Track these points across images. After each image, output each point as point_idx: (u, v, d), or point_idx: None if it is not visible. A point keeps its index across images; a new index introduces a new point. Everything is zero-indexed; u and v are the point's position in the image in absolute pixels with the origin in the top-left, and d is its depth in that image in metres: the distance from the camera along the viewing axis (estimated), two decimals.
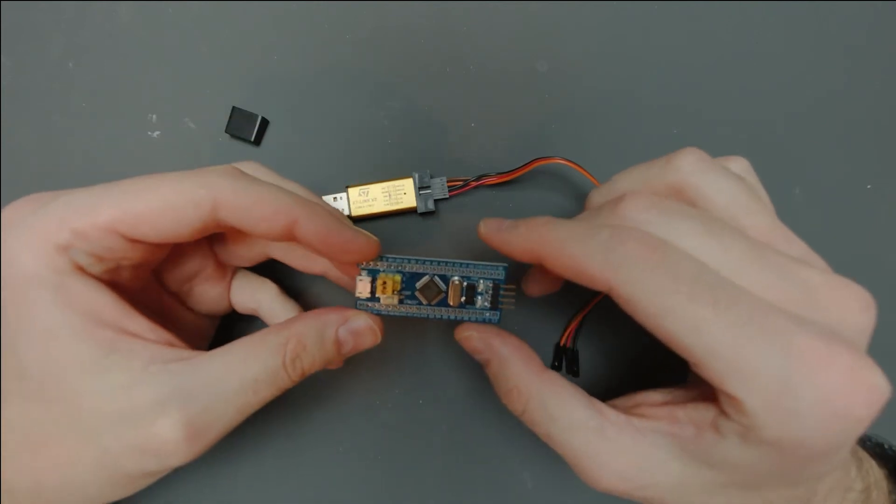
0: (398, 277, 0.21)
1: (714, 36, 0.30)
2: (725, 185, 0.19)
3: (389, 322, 0.22)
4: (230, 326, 0.28)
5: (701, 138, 0.29)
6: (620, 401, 0.20)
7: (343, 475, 0.28)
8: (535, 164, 0.26)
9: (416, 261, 0.21)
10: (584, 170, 0.26)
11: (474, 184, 0.27)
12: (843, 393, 0.14)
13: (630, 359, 0.28)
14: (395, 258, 0.21)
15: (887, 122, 0.30)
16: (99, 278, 0.19)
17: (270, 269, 0.27)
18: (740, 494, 0.17)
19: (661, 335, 0.16)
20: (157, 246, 0.20)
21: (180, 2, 0.29)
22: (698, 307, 0.15)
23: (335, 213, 0.21)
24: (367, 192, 0.27)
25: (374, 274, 0.21)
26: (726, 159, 0.21)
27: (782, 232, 0.18)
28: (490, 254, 0.21)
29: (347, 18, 0.29)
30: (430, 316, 0.22)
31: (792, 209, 0.29)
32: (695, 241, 0.16)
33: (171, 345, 0.19)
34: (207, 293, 0.25)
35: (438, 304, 0.22)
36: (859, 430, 0.15)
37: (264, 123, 0.29)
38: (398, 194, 0.27)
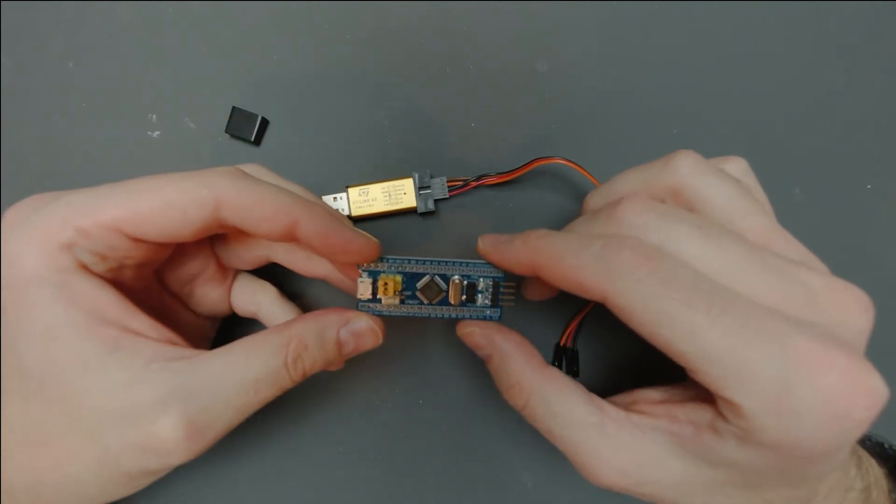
0: (399, 278, 0.22)
1: (714, 36, 0.30)
2: (722, 187, 0.19)
3: (390, 322, 0.22)
4: (230, 329, 0.28)
5: (701, 138, 0.29)
6: (619, 398, 0.20)
7: (343, 475, 0.28)
8: (535, 164, 0.27)
9: (417, 261, 0.22)
10: (584, 170, 0.26)
11: (474, 184, 0.27)
12: (842, 395, 0.14)
13: (630, 359, 0.28)
14: (396, 259, 0.22)
15: (887, 122, 0.30)
16: (102, 277, 0.19)
17: (271, 273, 0.27)
18: (740, 493, 0.17)
19: (657, 343, 0.16)
20: (160, 245, 0.20)
21: (180, 2, 0.29)
22: (693, 313, 0.15)
23: (336, 215, 0.21)
24: (367, 192, 0.27)
25: (374, 275, 0.21)
26: (724, 160, 0.21)
27: (780, 234, 0.18)
28: None
29: (347, 18, 0.29)
30: (432, 315, 0.22)
31: (792, 209, 0.29)
32: (692, 245, 0.16)
33: (173, 343, 0.19)
34: (208, 295, 0.25)
35: (439, 304, 0.22)
36: (858, 432, 0.15)
37: (264, 123, 0.29)
38: (398, 194, 0.27)
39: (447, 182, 0.28)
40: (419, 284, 0.22)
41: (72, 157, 0.29)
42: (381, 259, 0.22)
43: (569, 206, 0.29)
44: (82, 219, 0.18)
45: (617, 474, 0.18)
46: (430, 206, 0.28)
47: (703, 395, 0.17)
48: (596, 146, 0.29)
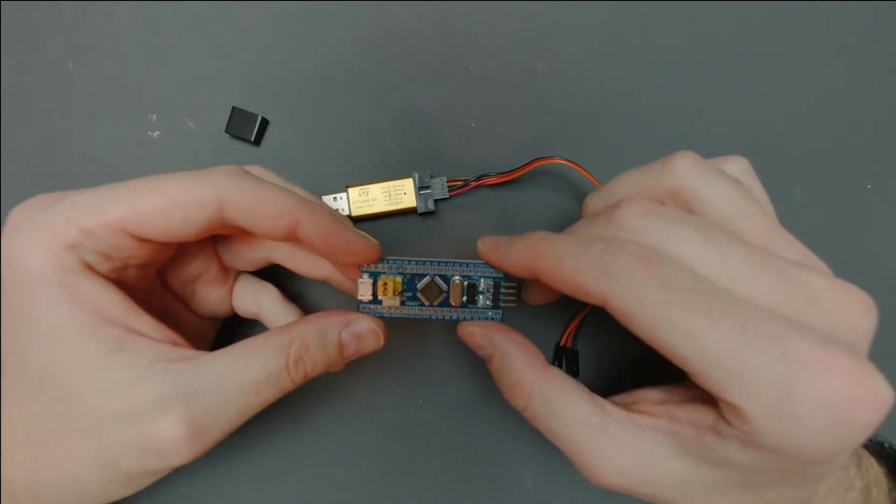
0: (399, 279, 0.22)
1: (714, 36, 0.30)
2: (720, 188, 0.19)
3: (390, 322, 0.22)
4: (231, 330, 0.28)
5: (701, 138, 0.29)
6: (620, 397, 0.20)
7: (343, 475, 0.28)
8: (535, 164, 0.27)
9: (417, 262, 0.22)
10: (584, 170, 0.26)
11: (474, 184, 0.27)
12: (844, 399, 0.14)
13: (630, 359, 0.28)
14: (396, 260, 0.22)
15: (887, 122, 0.30)
16: (106, 277, 0.19)
17: (272, 274, 0.27)
18: (740, 493, 0.17)
19: (657, 347, 0.16)
20: (164, 245, 0.20)
21: (180, 2, 0.29)
22: (693, 317, 0.15)
23: (337, 216, 0.21)
24: (367, 192, 0.27)
25: (375, 276, 0.22)
26: (725, 159, 0.21)
27: (781, 234, 0.18)
28: None
29: (347, 18, 0.29)
30: (433, 317, 0.22)
31: (792, 209, 0.29)
32: (692, 248, 0.16)
33: (176, 344, 0.20)
34: (210, 296, 0.25)
35: (440, 305, 0.22)
36: (862, 436, 0.15)
37: (264, 123, 0.29)
38: (398, 194, 0.27)
39: (447, 182, 0.28)
40: (420, 285, 0.22)
41: (72, 157, 0.29)
42: (381, 260, 0.22)
43: (569, 206, 0.29)
44: (87, 219, 0.18)
45: (618, 474, 0.18)
46: (430, 206, 0.28)
47: (704, 396, 0.17)
48: (596, 146, 0.29)
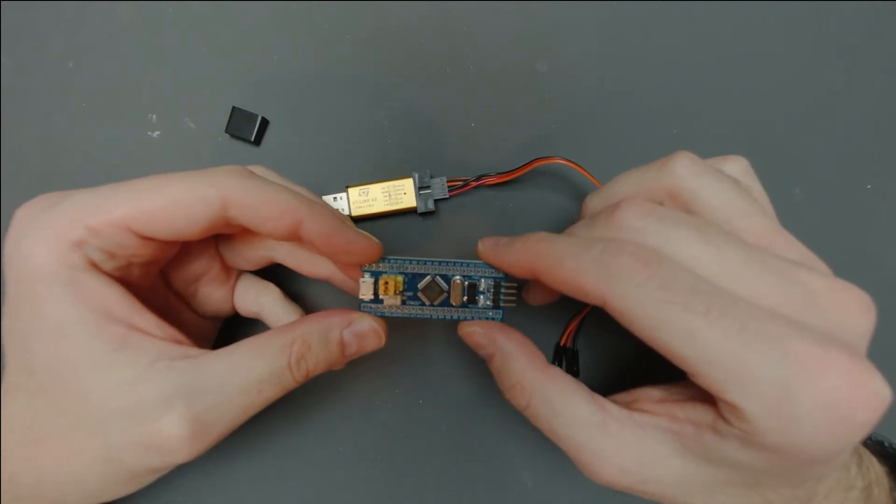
0: (400, 278, 0.22)
1: (714, 36, 0.30)
2: (719, 188, 0.19)
3: (391, 322, 0.22)
4: (232, 329, 0.28)
5: (701, 138, 0.29)
6: (620, 396, 0.20)
7: (343, 475, 0.28)
8: (535, 164, 0.27)
9: (418, 261, 0.22)
10: (584, 170, 0.26)
11: (474, 184, 0.27)
12: (843, 399, 0.14)
13: (630, 359, 0.28)
14: (397, 259, 0.22)
15: (887, 122, 0.30)
16: (110, 275, 0.19)
17: (273, 274, 0.27)
18: (740, 493, 0.17)
19: (657, 347, 0.16)
20: (167, 243, 0.20)
21: (180, 2, 0.29)
22: (692, 317, 0.15)
23: (338, 215, 0.21)
24: (367, 192, 0.27)
25: (376, 276, 0.22)
26: (724, 159, 0.21)
27: (780, 234, 0.18)
28: None
29: (347, 18, 0.29)
30: (433, 316, 0.22)
31: (792, 209, 0.29)
32: (691, 248, 0.16)
33: (179, 342, 0.20)
34: (212, 295, 0.25)
35: (441, 305, 0.22)
36: (860, 435, 0.15)
37: (264, 123, 0.29)
38: (398, 194, 0.27)
39: (447, 182, 0.28)
40: (420, 285, 0.22)
41: (72, 157, 0.29)
42: (382, 259, 0.22)
43: (569, 206, 0.29)
44: (92, 217, 0.18)
45: (619, 472, 0.18)
46: (430, 206, 0.28)
47: (704, 395, 0.17)
48: (596, 146, 0.29)
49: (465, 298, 0.22)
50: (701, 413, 0.17)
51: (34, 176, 0.29)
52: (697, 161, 0.19)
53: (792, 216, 0.21)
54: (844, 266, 0.19)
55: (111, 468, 0.19)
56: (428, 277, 0.22)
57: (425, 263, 0.22)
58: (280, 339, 0.20)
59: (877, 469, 0.20)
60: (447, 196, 0.28)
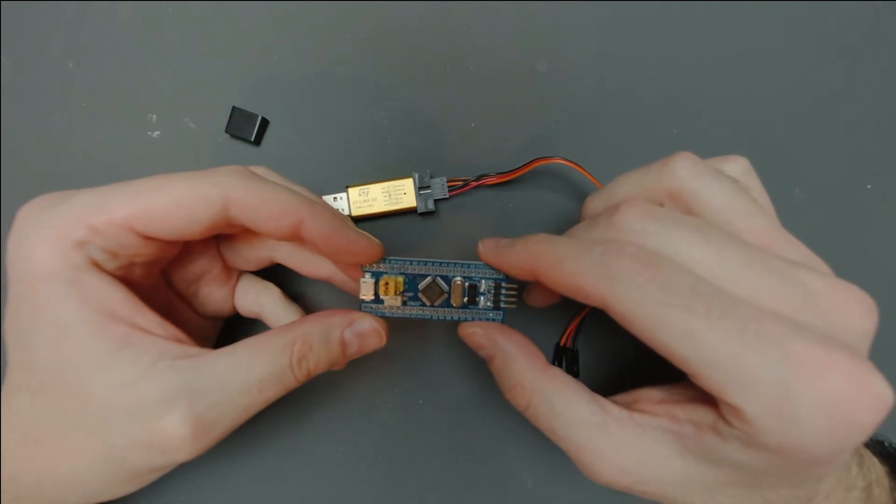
0: (401, 279, 0.22)
1: (714, 36, 0.30)
2: (719, 188, 0.19)
3: (391, 323, 0.22)
4: (232, 329, 0.28)
5: (701, 138, 0.29)
6: (620, 397, 0.20)
7: (343, 475, 0.28)
8: (535, 164, 0.27)
9: (418, 262, 0.22)
10: (584, 170, 0.26)
11: (474, 184, 0.27)
12: (844, 399, 0.14)
13: (630, 359, 0.28)
14: (398, 260, 0.22)
15: (887, 122, 0.30)
16: (112, 274, 0.19)
17: (273, 274, 0.27)
18: (741, 493, 0.17)
19: (658, 348, 0.16)
20: (169, 243, 0.20)
21: (180, 2, 0.29)
22: (693, 318, 0.15)
23: (339, 216, 0.21)
24: (367, 192, 0.27)
25: (377, 276, 0.22)
26: (725, 159, 0.21)
27: (781, 234, 0.18)
28: None
29: (347, 18, 0.29)
30: (434, 317, 0.22)
31: (792, 209, 0.29)
32: (691, 249, 0.16)
33: (180, 341, 0.20)
34: (213, 295, 0.25)
35: (441, 305, 0.22)
36: (862, 437, 0.15)
37: (264, 123, 0.29)
38: (398, 194, 0.27)
39: (447, 182, 0.28)
40: (421, 285, 0.22)
41: (72, 157, 0.29)
42: (383, 260, 0.22)
43: (569, 206, 0.29)
44: (95, 216, 0.18)
45: (619, 472, 0.18)
46: (430, 206, 0.28)
47: (704, 396, 0.17)
48: (596, 146, 0.29)
49: (466, 299, 0.22)
50: (702, 414, 0.17)
51: (34, 176, 0.29)
52: (697, 161, 0.19)
53: (792, 216, 0.20)
54: (844, 266, 0.19)
55: (112, 468, 0.19)
56: (428, 278, 0.22)
57: (426, 264, 0.22)
58: (281, 339, 0.20)
59: (877, 469, 0.20)
60: (447, 196, 0.28)
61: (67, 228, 0.18)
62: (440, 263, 0.22)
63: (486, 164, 0.28)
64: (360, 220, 0.28)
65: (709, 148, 0.21)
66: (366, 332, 0.21)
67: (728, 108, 0.29)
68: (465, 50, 0.29)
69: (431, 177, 0.28)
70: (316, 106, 0.29)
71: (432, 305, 0.22)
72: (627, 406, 0.19)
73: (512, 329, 0.21)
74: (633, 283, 0.16)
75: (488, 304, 0.22)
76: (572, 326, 0.25)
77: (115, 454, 0.18)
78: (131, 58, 0.29)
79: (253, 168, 0.22)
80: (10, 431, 0.19)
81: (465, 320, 0.22)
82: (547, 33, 0.30)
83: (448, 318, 0.22)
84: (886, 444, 0.23)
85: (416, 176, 0.27)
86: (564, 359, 0.25)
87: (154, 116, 0.29)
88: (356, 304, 0.22)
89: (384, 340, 0.22)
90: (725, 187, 0.19)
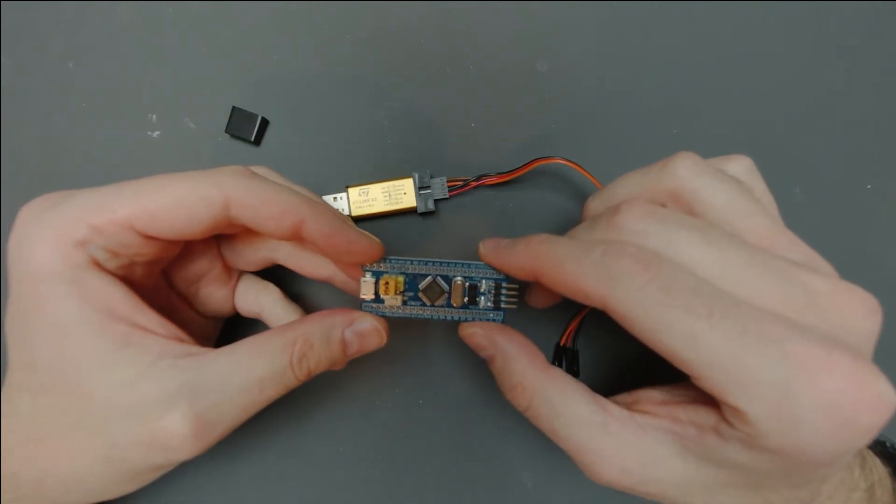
0: (401, 279, 0.22)
1: (714, 36, 0.30)
2: (720, 188, 0.18)
3: (391, 322, 0.22)
4: (232, 329, 0.28)
5: (701, 138, 0.29)
6: (621, 397, 0.20)
7: (343, 475, 0.28)
8: (535, 164, 0.27)
9: (419, 262, 0.22)
10: (584, 170, 0.26)
11: (474, 184, 0.27)
12: (847, 401, 0.14)
13: (629, 359, 0.28)
14: (398, 259, 0.22)
15: (887, 122, 0.30)
16: (113, 274, 0.20)
17: (273, 275, 0.27)
18: (741, 493, 0.17)
19: (658, 350, 0.16)
20: (170, 243, 0.20)
21: (180, 2, 0.29)
22: (694, 320, 0.15)
23: (340, 216, 0.21)
24: (367, 192, 0.27)
25: (377, 275, 0.22)
26: (728, 159, 0.21)
27: (784, 234, 0.18)
28: None
29: (347, 18, 0.29)
30: (434, 317, 0.22)
31: (792, 209, 0.29)
32: (692, 249, 0.16)
33: (181, 340, 0.20)
34: (213, 295, 0.25)
35: (441, 305, 0.22)
36: (865, 439, 0.15)
37: (264, 123, 0.29)
38: (398, 194, 0.27)
39: (447, 182, 0.28)
40: (421, 285, 0.22)
41: (72, 157, 0.29)
42: (384, 260, 0.22)
43: (569, 206, 0.29)
44: (96, 216, 0.18)
45: (619, 472, 0.18)
46: (430, 206, 0.28)
47: (706, 397, 0.17)
48: (596, 146, 0.29)
49: (466, 299, 0.22)
50: (703, 415, 0.17)
51: (34, 176, 0.29)
52: (699, 161, 0.19)
53: (792, 216, 0.20)
54: (845, 266, 0.19)
55: (113, 467, 0.19)
56: (429, 278, 0.22)
57: (426, 264, 0.22)
58: (282, 338, 0.20)
59: (880, 470, 0.20)
60: (447, 196, 0.28)
61: (68, 228, 0.18)
62: (440, 263, 0.22)
63: (486, 164, 0.28)
64: (360, 220, 0.28)
65: (709, 148, 0.21)
66: (366, 331, 0.21)
67: (728, 108, 0.29)
68: (465, 50, 0.29)
69: (431, 177, 0.28)
70: (316, 106, 0.29)
71: (432, 305, 0.22)
72: (628, 406, 0.19)
73: (512, 329, 0.21)
74: (634, 284, 0.16)
75: (489, 304, 0.22)
76: (572, 326, 0.25)
77: (116, 453, 0.18)
78: (131, 58, 0.29)
79: (253, 168, 0.22)
80: (10, 431, 0.19)
81: (466, 320, 0.22)
82: (547, 33, 0.30)
83: (448, 318, 0.22)
84: (889, 445, 0.23)
85: (416, 176, 0.27)
86: (564, 359, 0.25)
87: (154, 116, 0.29)
88: (356, 304, 0.22)
89: (385, 340, 0.22)
90: (727, 187, 0.18)
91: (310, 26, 0.29)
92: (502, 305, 0.22)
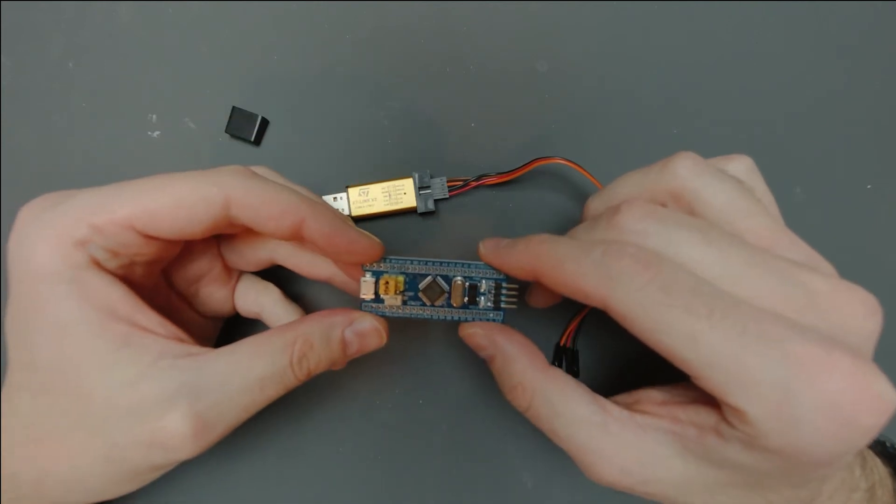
0: (401, 278, 0.22)
1: (714, 36, 0.30)
2: (721, 188, 0.18)
3: (391, 322, 0.22)
4: (232, 330, 0.28)
5: (701, 138, 0.29)
6: (621, 397, 0.20)
7: (343, 475, 0.28)
8: (535, 164, 0.27)
9: (419, 262, 0.22)
10: (584, 170, 0.26)
11: (474, 184, 0.27)
12: (847, 401, 0.14)
13: (629, 359, 0.28)
14: (398, 259, 0.22)
15: (887, 122, 0.30)
16: (113, 273, 0.20)
17: (273, 275, 0.27)
18: (742, 493, 0.17)
19: (659, 350, 0.16)
20: (170, 242, 0.20)
21: (180, 2, 0.29)
22: (694, 320, 0.15)
23: (340, 215, 0.21)
24: (367, 192, 0.27)
25: (377, 275, 0.22)
26: (728, 158, 0.21)
27: (785, 234, 0.18)
28: None
29: (347, 18, 0.29)
30: (434, 317, 0.22)
31: (792, 209, 0.29)
32: (692, 249, 0.16)
33: (181, 340, 0.20)
34: (213, 295, 0.25)
35: (441, 305, 0.22)
36: (865, 439, 0.15)
37: (264, 123, 0.29)
38: (398, 194, 0.27)
39: (447, 182, 0.28)
40: (421, 285, 0.22)
41: (72, 157, 0.29)
42: (384, 259, 0.22)
43: (569, 206, 0.29)
44: (96, 216, 0.18)
45: (619, 473, 0.18)
46: (430, 206, 0.28)
47: (706, 397, 0.17)
48: (596, 146, 0.29)
49: (466, 299, 0.22)
50: (704, 416, 0.17)
51: (34, 176, 0.29)
52: (699, 161, 0.19)
53: (792, 216, 0.20)
54: (845, 266, 0.19)
55: (113, 467, 0.19)
56: (429, 278, 0.22)
57: (426, 264, 0.22)
58: (282, 338, 0.20)
59: (880, 470, 0.20)
60: (447, 196, 0.28)
61: (68, 228, 0.18)
62: (440, 263, 0.22)
63: (486, 164, 0.28)
64: (360, 220, 0.28)
65: (709, 148, 0.21)
66: (366, 331, 0.21)
67: (728, 108, 0.29)
68: (465, 50, 0.29)
69: (431, 177, 0.28)
70: (316, 106, 0.29)
71: (432, 305, 0.22)
72: (628, 407, 0.19)
73: (512, 329, 0.21)
74: (634, 284, 0.16)
75: (489, 304, 0.22)
76: (572, 326, 0.25)
77: (116, 453, 0.18)
78: (131, 58, 0.29)
79: (253, 168, 0.22)
80: (10, 431, 0.19)
81: (466, 320, 0.22)
82: (547, 33, 0.30)
83: (448, 318, 0.22)
84: (889, 445, 0.23)
85: (416, 176, 0.27)
86: (564, 359, 0.25)
87: (154, 116, 0.29)
88: (356, 304, 0.22)
89: (385, 340, 0.22)
90: (727, 187, 0.18)
91: (310, 26, 0.29)
92: (502, 305, 0.22)
